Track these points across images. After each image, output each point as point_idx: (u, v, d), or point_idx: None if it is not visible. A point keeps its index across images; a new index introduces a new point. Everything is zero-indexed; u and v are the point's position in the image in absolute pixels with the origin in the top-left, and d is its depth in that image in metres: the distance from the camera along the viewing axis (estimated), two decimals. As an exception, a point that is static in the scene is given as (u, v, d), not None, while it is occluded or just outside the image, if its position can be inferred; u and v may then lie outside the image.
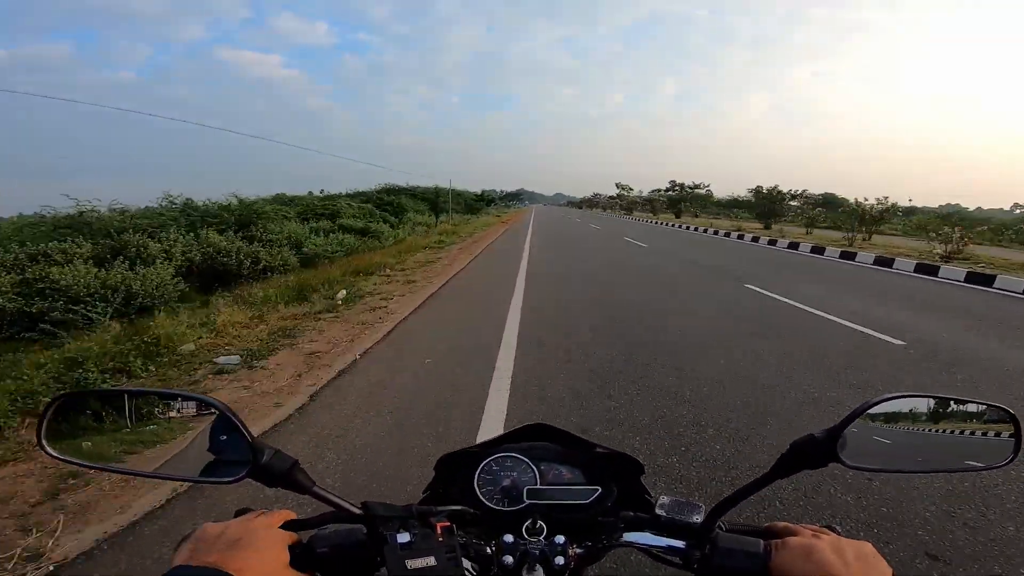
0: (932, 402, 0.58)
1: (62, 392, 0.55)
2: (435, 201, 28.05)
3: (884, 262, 11.88)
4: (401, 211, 25.31)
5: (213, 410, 0.53)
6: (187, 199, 13.61)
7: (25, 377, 3.23)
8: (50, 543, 1.88)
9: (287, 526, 0.53)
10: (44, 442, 0.54)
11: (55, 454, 0.54)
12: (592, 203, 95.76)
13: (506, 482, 0.66)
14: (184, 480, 0.66)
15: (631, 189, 73.28)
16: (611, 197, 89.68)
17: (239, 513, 0.53)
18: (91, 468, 0.57)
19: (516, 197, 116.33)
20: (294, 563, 0.51)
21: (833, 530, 0.51)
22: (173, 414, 0.56)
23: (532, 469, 0.67)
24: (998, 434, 0.58)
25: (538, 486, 0.66)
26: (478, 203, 47.45)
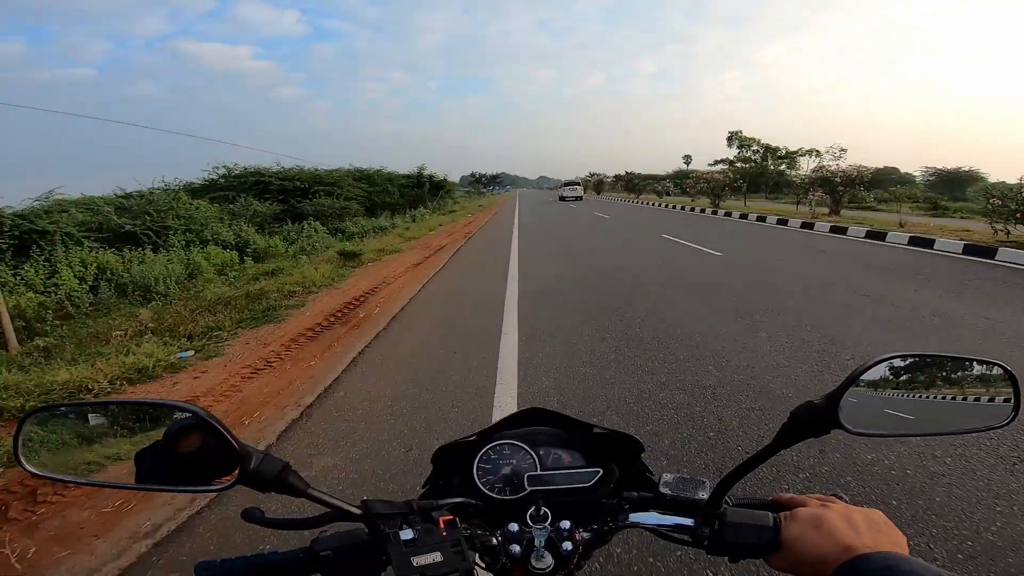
0: (928, 362, 0.56)
1: (33, 407, 0.53)
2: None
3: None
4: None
5: (192, 416, 0.49)
6: None
7: None
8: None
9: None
10: (22, 459, 0.51)
11: (35, 471, 0.52)
12: (632, 185, 51.04)
13: (506, 470, 0.65)
14: (172, 491, 0.64)
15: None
16: (649, 180, 50.70)
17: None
18: (73, 483, 0.54)
19: (495, 181, 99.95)
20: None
21: (840, 498, 0.51)
22: (151, 422, 0.54)
23: (531, 455, 0.66)
24: (997, 394, 0.55)
25: (539, 472, 0.64)
26: (413, 191, 23.16)
